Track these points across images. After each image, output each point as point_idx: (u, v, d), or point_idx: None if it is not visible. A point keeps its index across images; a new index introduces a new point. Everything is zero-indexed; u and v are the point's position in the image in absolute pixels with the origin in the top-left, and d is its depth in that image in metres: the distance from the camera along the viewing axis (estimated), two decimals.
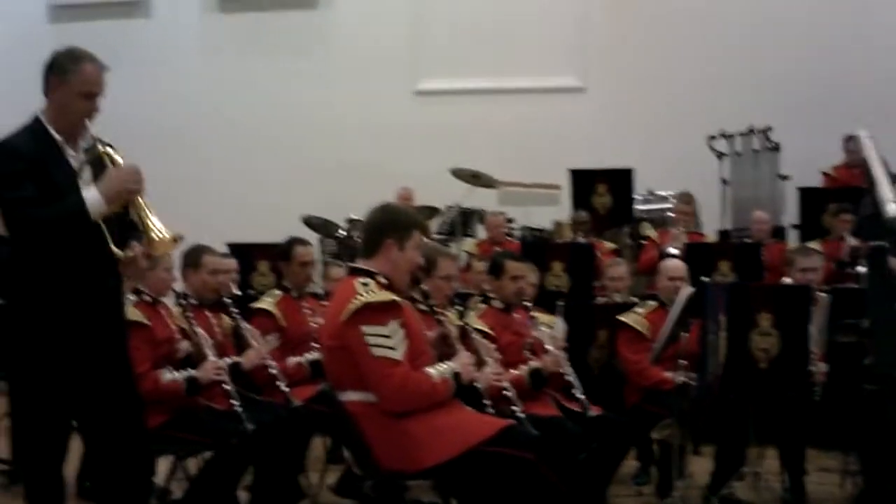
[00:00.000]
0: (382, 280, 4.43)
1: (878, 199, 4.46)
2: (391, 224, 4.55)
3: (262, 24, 14.40)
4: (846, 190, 10.25)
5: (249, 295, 7.28)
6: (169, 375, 5.42)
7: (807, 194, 10.64)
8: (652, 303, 6.68)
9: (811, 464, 6.46)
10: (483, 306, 6.10)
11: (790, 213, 11.24)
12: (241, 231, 9.15)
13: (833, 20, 12.58)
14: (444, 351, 4.86)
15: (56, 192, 4.18)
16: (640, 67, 13.31)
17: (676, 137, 12.36)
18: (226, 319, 6.24)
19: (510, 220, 11.32)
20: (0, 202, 4.22)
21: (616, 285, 7.83)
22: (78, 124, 4.33)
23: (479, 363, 5.14)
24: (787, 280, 7.17)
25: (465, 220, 11.51)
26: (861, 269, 7.95)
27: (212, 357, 5.60)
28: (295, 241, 6.76)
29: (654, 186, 11.34)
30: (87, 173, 4.32)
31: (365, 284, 4.36)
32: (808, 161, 11.42)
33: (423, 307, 5.02)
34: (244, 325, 6.13)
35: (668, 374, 6.16)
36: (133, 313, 5.28)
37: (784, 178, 11.56)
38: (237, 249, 8.09)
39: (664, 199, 11.10)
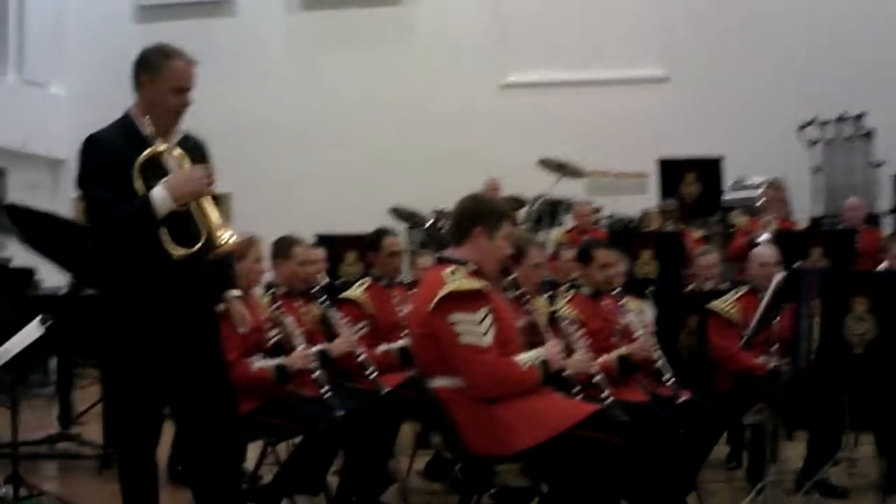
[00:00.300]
0: (471, 268, 4.44)
1: None
2: (481, 213, 4.55)
3: (346, 21, 14.53)
4: None
5: (337, 285, 7.34)
6: (259, 363, 5.47)
7: None
8: (744, 287, 6.59)
9: None
10: (572, 292, 6.07)
11: (885, 200, 11.04)
12: (329, 222, 9.23)
13: None
14: (533, 339, 4.84)
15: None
16: (727, 55, 13.18)
17: (765, 125, 12.22)
18: (315, 308, 6.30)
19: (597, 210, 11.28)
20: (84, 197, 4.31)
21: (706, 274, 7.74)
22: (169, 120, 4.37)
23: (569, 350, 5.12)
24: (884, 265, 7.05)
25: (552, 210, 11.48)
26: None
27: (301, 345, 5.65)
28: (383, 232, 6.80)
29: (743, 174, 11.20)
30: (186, 165, 4.35)
31: (453, 273, 4.37)
32: None
33: (511, 295, 5.01)
34: (332, 313, 6.18)
35: (760, 360, 6.09)
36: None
37: (878, 164, 11.34)
38: (325, 240, 8.16)
39: (754, 186, 10.95)
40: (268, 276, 6.13)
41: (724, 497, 6.27)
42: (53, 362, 8.86)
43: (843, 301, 5.69)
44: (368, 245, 6.81)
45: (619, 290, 5.94)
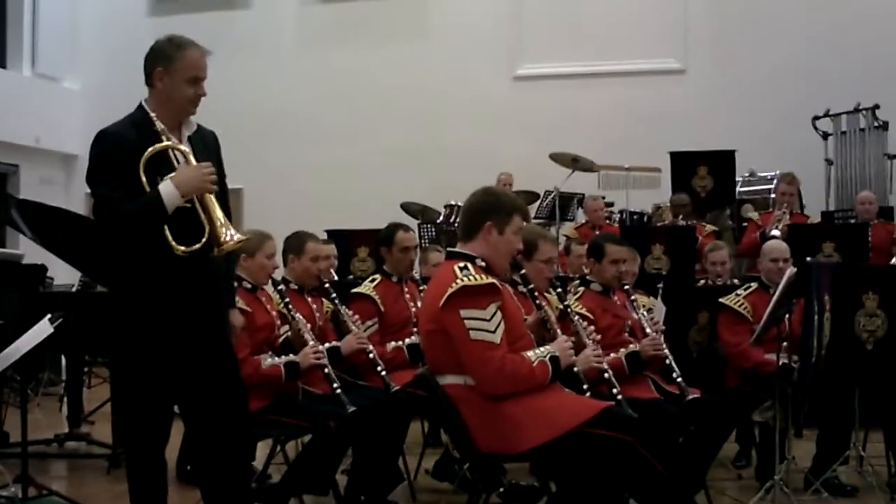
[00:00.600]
0: (481, 263, 4.42)
1: None
2: (492, 207, 4.51)
3: (359, 14, 14.53)
4: None
5: (349, 280, 7.33)
6: (269, 360, 5.47)
7: None
8: (753, 284, 6.57)
9: None
10: (582, 289, 6.06)
11: None
12: (339, 217, 9.25)
13: None
14: (544, 334, 4.83)
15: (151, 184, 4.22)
16: (741, 48, 13.15)
17: (778, 118, 12.18)
18: (326, 304, 6.30)
19: (609, 205, 11.25)
20: (92, 193, 4.30)
21: (717, 269, 7.73)
22: (183, 111, 4.36)
23: (579, 346, 5.10)
24: None
25: (564, 204, 11.45)
26: None
27: (311, 342, 5.65)
28: (397, 227, 6.75)
29: (756, 168, 11.16)
30: (191, 161, 4.34)
31: (463, 268, 4.33)
32: None
33: (522, 291, 4.99)
34: (344, 309, 6.17)
35: (770, 356, 6.06)
36: None
37: (892, 157, 11.29)
38: (336, 235, 8.16)
39: (766, 180, 10.92)
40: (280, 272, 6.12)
41: (732, 495, 6.24)
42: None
43: (855, 296, 5.67)
44: (381, 240, 6.78)
45: (629, 286, 5.94)
